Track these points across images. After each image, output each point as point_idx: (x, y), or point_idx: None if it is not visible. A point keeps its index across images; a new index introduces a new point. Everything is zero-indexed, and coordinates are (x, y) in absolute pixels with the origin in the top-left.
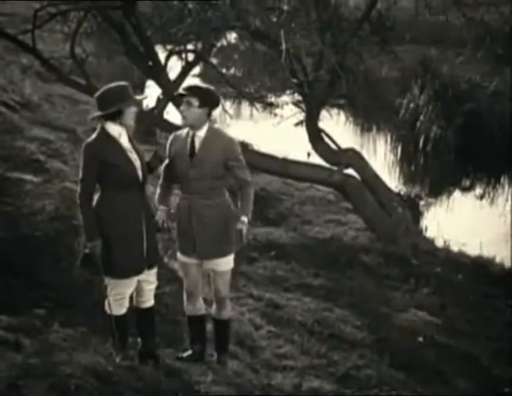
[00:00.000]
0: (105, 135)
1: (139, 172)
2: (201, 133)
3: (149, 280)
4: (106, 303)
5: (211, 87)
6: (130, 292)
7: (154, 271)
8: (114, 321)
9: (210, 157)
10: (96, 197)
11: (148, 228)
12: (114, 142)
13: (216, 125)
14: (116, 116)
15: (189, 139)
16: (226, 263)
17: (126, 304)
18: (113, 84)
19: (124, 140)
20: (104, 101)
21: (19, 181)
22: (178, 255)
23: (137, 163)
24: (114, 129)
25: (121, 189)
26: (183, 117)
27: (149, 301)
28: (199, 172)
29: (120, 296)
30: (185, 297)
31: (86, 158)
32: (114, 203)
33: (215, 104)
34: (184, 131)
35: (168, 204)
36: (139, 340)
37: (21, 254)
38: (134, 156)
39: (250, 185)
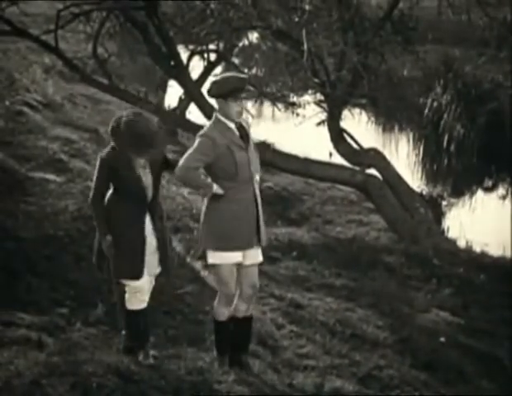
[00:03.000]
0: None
1: (148, 191)
2: (243, 122)
3: None
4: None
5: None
6: (146, 288)
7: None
8: (129, 316)
9: (253, 148)
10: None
11: (159, 238)
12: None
13: None
14: None
15: (235, 130)
16: (260, 254)
17: (145, 298)
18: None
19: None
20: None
21: (42, 181)
22: (224, 256)
23: (147, 180)
24: None
25: (127, 200)
26: (232, 113)
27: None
28: (252, 157)
29: (135, 290)
30: (222, 302)
31: (99, 167)
32: (119, 208)
33: (231, 92)
34: (216, 129)
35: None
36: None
37: (43, 254)
38: (146, 172)
39: None
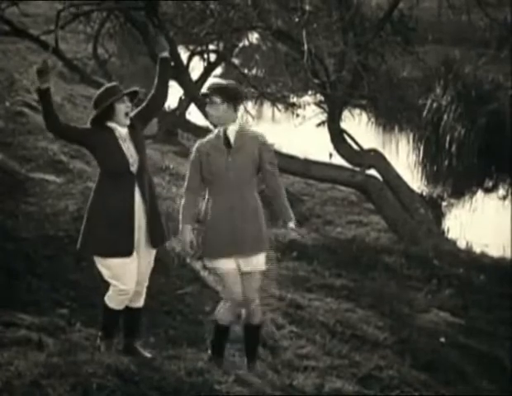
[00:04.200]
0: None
1: (134, 165)
2: (234, 127)
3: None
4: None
5: (232, 82)
6: (131, 285)
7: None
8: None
9: (245, 149)
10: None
11: (149, 211)
12: (109, 132)
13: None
14: (110, 114)
15: (222, 135)
16: (260, 262)
17: (126, 301)
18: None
19: (120, 133)
20: (97, 101)
21: (42, 182)
22: (215, 263)
23: (131, 156)
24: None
25: (112, 177)
26: (209, 116)
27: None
28: (236, 163)
29: (120, 293)
30: (225, 305)
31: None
32: (104, 187)
33: (238, 98)
34: (212, 135)
35: (193, 220)
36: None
37: (44, 254)
38: (129, 147)
39: (282, 194)
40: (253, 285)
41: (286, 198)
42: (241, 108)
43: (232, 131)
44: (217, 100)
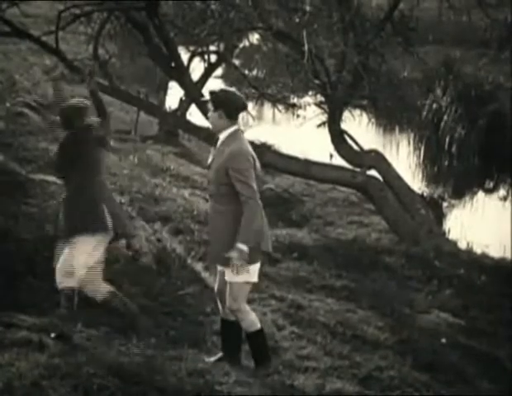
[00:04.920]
0: None
1: None
2: (222, 136)
3: None
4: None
5: (229, 89)
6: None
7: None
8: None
9: (218, 160)
10: None
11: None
12: None
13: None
14: None
15: (218, 143)
16: (230, 276)
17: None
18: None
19: None
20: None
21: (42, 183)
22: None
23: None
24: None
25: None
26: (211, 124)
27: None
28: (211, 173)
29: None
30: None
31: None
32: None
33: (228, 105)
34: None
35: None
36: None
37: (44, 255)
38: None
39: (250, 205)
40: (228, 292)
41: (254, 215)
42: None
43: (219, 141)
44: (211, 107)
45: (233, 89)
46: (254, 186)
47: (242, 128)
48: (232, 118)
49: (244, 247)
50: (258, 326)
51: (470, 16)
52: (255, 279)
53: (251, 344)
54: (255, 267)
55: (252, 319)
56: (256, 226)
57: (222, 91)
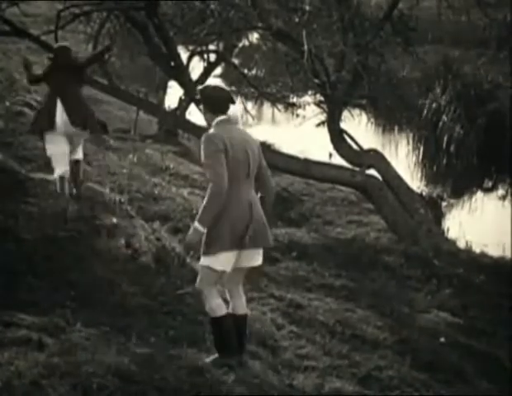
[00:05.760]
0: None
1: None
2: (210, 131)
3: None
4: None
5: (211, 84)
6: None
7: None
8: None
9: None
10: None
11: None
12: None
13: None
14: None
15: None
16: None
17: None
18: None
19: None
20: None
21: (42, 182)
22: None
23: None
24: None
25: None
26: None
27: None
28: None
29: None
30: (212, 295)
31: None
32: None
33: (209, 101)
34: None
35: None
36: None
37: (44, 254)
38: None
39: (211, 188)
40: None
41: (211, 200)
42: (233, 110)
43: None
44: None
45: (217, 84)
46: (219, 169)
47: (242, 127)
48: (215, 112)
49: (198, 227)
50: (217, 314)
51: (469, 16)
52: (219, 267)
53: (240, 327)
54: (221, 256)
55: (211, 307)
56: (213, 208)
57: (204, 87)
